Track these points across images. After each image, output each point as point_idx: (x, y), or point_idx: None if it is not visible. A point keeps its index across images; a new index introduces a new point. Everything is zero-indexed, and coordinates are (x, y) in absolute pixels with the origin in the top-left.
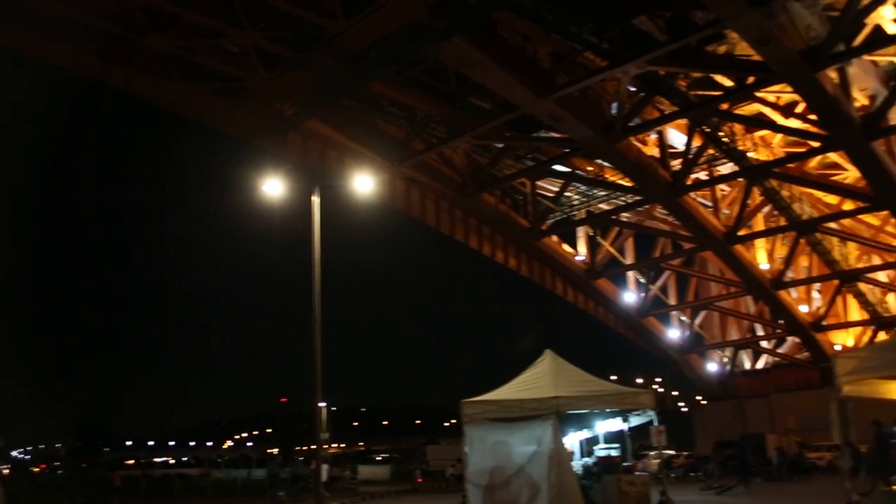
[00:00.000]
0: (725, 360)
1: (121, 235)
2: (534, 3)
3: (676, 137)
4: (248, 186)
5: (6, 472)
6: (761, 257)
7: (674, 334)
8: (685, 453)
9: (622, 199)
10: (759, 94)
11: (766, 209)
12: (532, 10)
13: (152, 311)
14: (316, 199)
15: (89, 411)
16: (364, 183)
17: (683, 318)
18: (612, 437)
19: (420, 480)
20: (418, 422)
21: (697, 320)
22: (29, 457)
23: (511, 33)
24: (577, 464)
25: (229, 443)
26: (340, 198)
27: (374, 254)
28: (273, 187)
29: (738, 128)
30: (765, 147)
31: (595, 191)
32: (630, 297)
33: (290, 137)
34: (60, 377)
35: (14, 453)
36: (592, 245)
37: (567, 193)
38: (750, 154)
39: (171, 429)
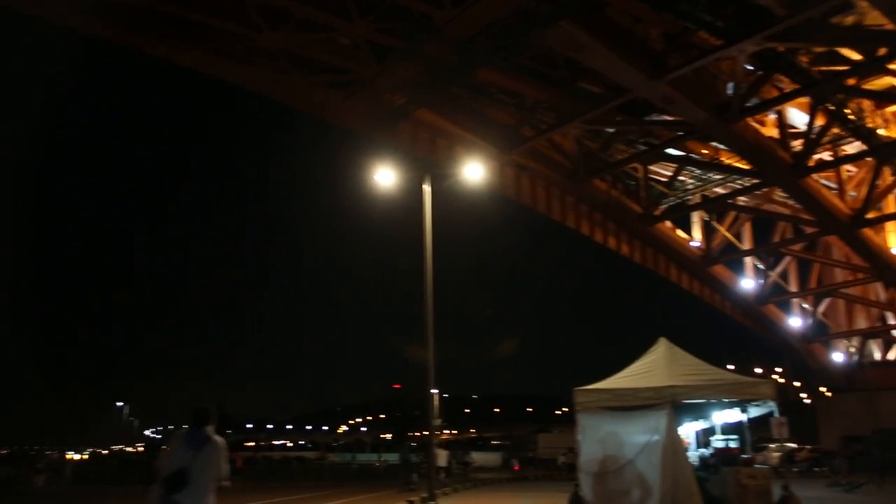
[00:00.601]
0: (852, 350)
1: (233, 226)
2: None
3: (797, 117)
4: (359, 176)
5: (141, 448)
6: (893, 241)
7: (795, 322)
8: (808, 447)
9: (739, 182)
10: (891, 67)
11: None
12: None
13: (268, 299)
14: (427, 188)
15: (214, 395)
16: (474, 171)
17: (806, 305)
18: (729, 429)
19: (517, 469)
20: (530, 409)
21: (821, 308)
22: (160, 436)
23: (621, 14)
24: (694, 455)
25: (344, 427)
26: (451, 187)
27: (488, 242)
28: (385, 177)
29: (866, 104)
30: None
31: (710, 174)
32: (748, 283)
33: (401, 127)
34: (191, 364)
35: (147, 432)
36: (708, 230)
37: (681, 178)
38: (880, 131)
39: (290, 414)
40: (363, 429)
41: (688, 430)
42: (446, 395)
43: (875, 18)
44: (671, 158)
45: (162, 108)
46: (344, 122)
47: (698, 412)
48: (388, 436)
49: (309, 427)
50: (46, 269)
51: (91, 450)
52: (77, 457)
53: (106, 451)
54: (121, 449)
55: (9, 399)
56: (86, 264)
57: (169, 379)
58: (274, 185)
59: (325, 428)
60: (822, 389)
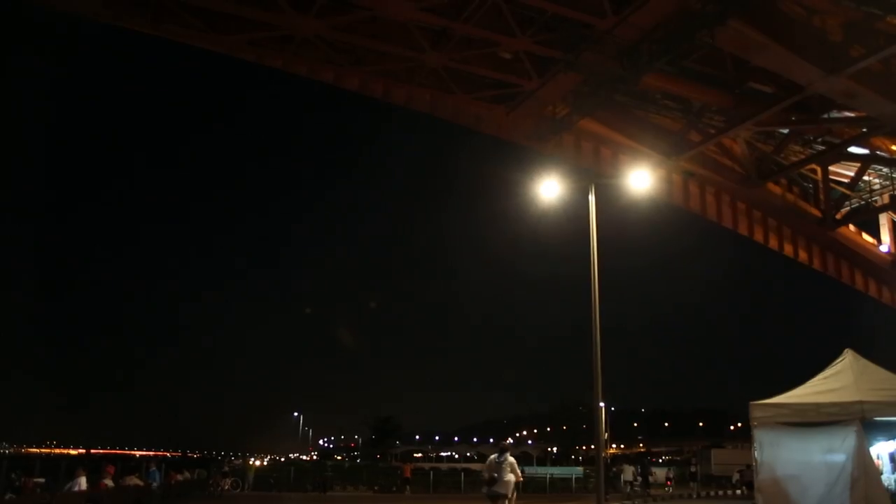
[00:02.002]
0: None
1: (402, 242)
2: None
3: None
4: (525, 188)
5: (315, 456)
6: None
7: None
8: None
9: None
10: None
11: None
12: None
13: (436, 310)
14: (592, 198)
15: (383, 407)
16: (641, 179)
17: None
18: None
19: (669, 483)
20: (701, 424)
21: None
22: (331, 446)
23: (793, 7)
24: (888, 478)
25: (510, 440)
26: (618, 196)
27: (657, 251)
28: (550, 188)
29: None
30: None
31: None
32: None
33: (564, 138)
34: (361, 375)
35: (321, 441)
36: None
37: (866, 177)
38: None
39: (457, 425)
40: (529, 441)
41: (880, 451)
42: (613, 409)
43: None
44: (854, 157)
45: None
46: (507, 136)
47: (892, 432)
48: (555, 448)
49: (475, 439)
50: (225, 285)
51: (270, 456)
52: (258, 463)
53: (283, 459)
54: (296, 457)
55: (200, 408)
56: (259, 278)
57: (340, 390)
58: (439, 198)
59: (491, 440)
60: None
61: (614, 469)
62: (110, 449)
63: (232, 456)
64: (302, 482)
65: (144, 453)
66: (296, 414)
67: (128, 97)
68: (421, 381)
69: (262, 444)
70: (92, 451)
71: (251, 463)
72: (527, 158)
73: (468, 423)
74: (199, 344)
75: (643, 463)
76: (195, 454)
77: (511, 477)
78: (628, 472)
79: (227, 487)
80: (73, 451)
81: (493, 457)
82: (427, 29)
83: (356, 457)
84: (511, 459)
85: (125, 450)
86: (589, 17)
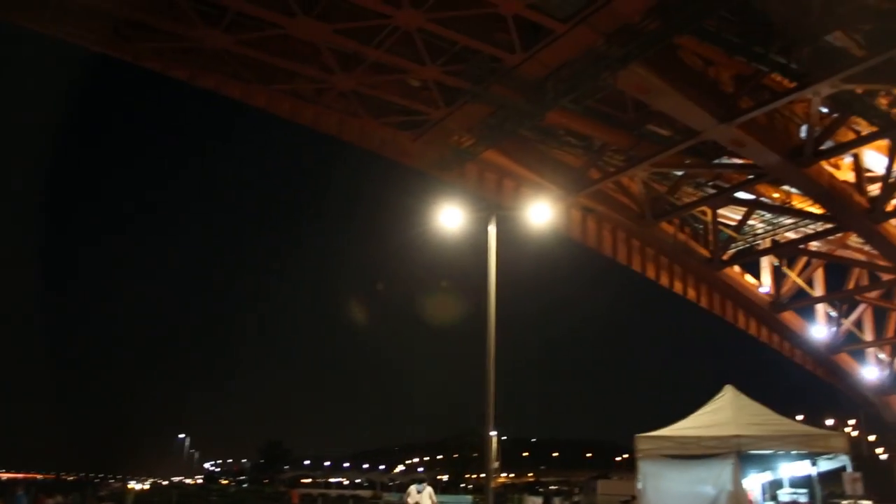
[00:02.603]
0: None
1: (295, 262)
2: (716, 25)
3: (875, 160)
4: (426, 216)
5: (200, 480)
6: None
7: (870, 373)
8: None
9: (811, 227)
10: None
11: None
12: (714, 33)
13: (331, 334)
14: (492, 229)
15: (272, 431)
16: (541, 212)
17: (882, 355)
18: (798, 482)
19: None
20: (589, 455)
21: None
22: (218, 469)
23: (692, 57)
24: None
25: (401, 467)
26: (517, 228)
27: (554, 285)
28: (451, 216)
29: None
30: None
31: (781, 219)
32: (819, 331)
33: (468, 169)
34: (248, 399)
35: (207, 465)
36: (778, 276)
37: (751, 222)
38: None
39: (347, 451)
40: (420, 469)
41: (753, 483)
42: (504, 438)
43: None
44: (741, 202)
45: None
46: (412, 163)
47: (765, 464)
48: (445, 477)
49: (366, 465)
50: (110, 299)
51: (152, 480)
52: (139, 486)
53: (166, 482)
54: (181, 480)
55: (76, 427)
56: (151, 297)
57: (229, 412)
58: (335, 222)
59: (382, 467)
60: None
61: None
62: None
63: (110, 479)
64: None
65: (12, 476)
66: (181, 436)
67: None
68: (314, 407)
69: (145, 466)
70: None
71: (130, 487)
72: (430, 187)
73: (360, 450)
74: (76, 357)
75: (546, 494)
76: (70, 477)
77: (429, 502)
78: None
79: None
80: None
81: (413, 487)
82: (338, 52)
83: (243, 481)
84: (429, 489)
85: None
86: (498, 52)
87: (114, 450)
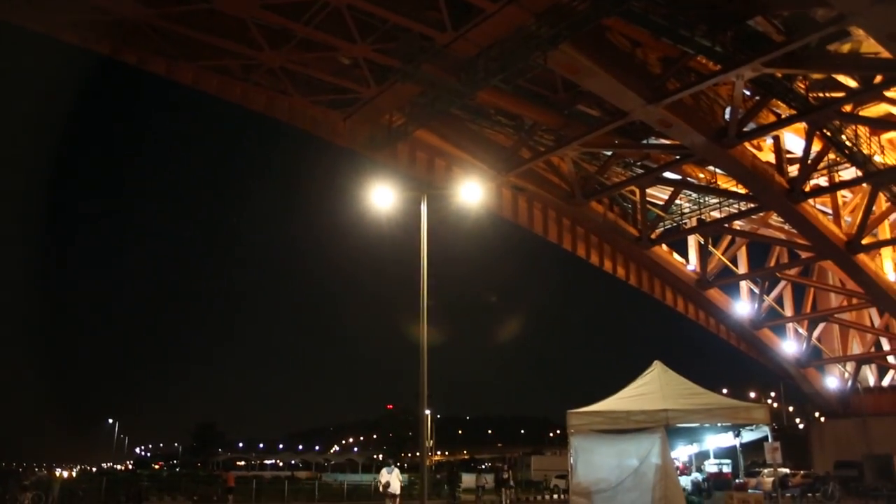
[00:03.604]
0: (847, 375)
1: (227, 242)
2: (643, 7)
3: (794, 142)
4: (357, 196)
5: (130, 466)
6: (888, 267)
7: (790, 347)
8: (801, 472)
9: (735, 206)
10: (887, 94)
11: (894, 216)
12: (642, 15)
13: (262, 316)
14: (423, 207)
15: (204, 413)
16: (471, 192)
17: (800, 330)
18: (722, 453)
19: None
20: (522, 431)
21: (816, 333)
22: (149, 454)
23: (620, 39)
24: (687, 479)
25: (336, 448)
26: (449, 207)
27: (484, 262)
28: (382, 196)
29: (862, 130)
30: (893, 149)
31: (707, 198)
32: (743, 307)
33: (400, 148)
34: (179, 380)
35: (136, 450)
36: (704, 254)
37: (678, 201)
38: (876, 158)
39: (281, 432)
40: (355, 449)
41: (681, 454)
42: (439, 416)
43: (871, 46)
44: (668, 182)
45: (140, 117)
46: (343, 142)
47: (692, 436)
48: (380, 456)
49: (300, 447)
50: (43, 280)
51: (80, 467)
52: (66, 474)
53: (95, 469)
54: (110, 466)
55: None
56: (79, 279)
57: (159, 396)
58: (265, 202)
59: (317, 447)
60: (816, 414)
61: (440, 475)
62: None
63: (35, 467)
64: (115, 494)
65: None
66: (110, 420)
67: None
68: (246, 390)
69: (72, 453)
70: None
71: (57, 474)
72: (361, 166)
73: (293, 431)
74: None
75: (496, 469)
76: None
77: (398, 483)
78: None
79: (27, 502)
80: None
81: (385, 469)
82: (266, 28)
83: (175, 465)
84: (396, 470)
85: None
86: (429, 30)
87: (39, 436)
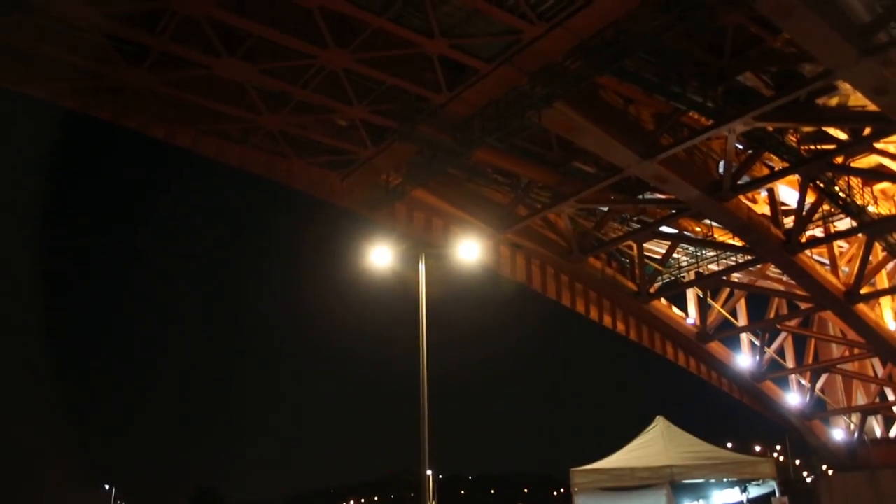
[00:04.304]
0: (853, 426)
1: (231, 306)
2: (636, 65)
3: (788, 194)
4: (356, 256)
5: None
6: (888, 317)
7: (793, 399)
8: None
9: (732, 259)
10: (876, 145)
11: (891, 265)
12: (634, 73)
13: (261, 376)
14: (422, 266)
15: (203, 475)
16: (469, 250)
17: (803, 381)
18: None
19: None
20: (526, 490)
21: (819, 384)
22: None
23: (613, 96)
24: None
25: None
26: (447, 266)
27: (484, 319)
28: (381, 256)
29: (854, 181)
30: (886, 200)
31: (704, 251)
32: (744, 360)
33: (397, 207)
34: (174, 443)
35: None
36: (703, 307)
37: (675, 255)
38: (870, 208)
39: (282, 494)
40: None
41: None
42: (441, 476)
43: (858, 100)
44: (665, 236)
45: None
46: (340, 202)
47: (698, 492)
48: None
49: None
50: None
51: None
52: None
53: None
54: None
55: None
56: (82, 338)
57: (157, 460)
58: (263, 264)
59: None
60: (824, 468)
61: None
62: None
63: None
64: None
65: None
66: (107, 486)
67: None
68: (244, 451)
69: None
70: None
71: None
72: (358, 226)
73: (294, 493)
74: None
75: None
76: None
77: None
78: None
79: None
80: None
81: None
82: (264, 92)
83: None
84: None
85: None
86: (425, 91)
87: (32, 501)
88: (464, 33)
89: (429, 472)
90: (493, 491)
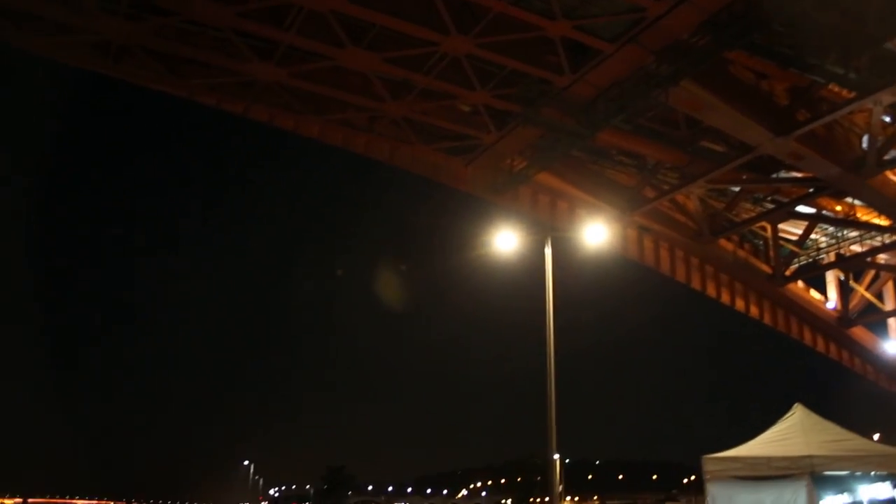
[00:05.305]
0: None
1: (363, 294)
2: (767, 39)
3: None
4: (481, 240)
5: None
6: None
7: None
8: None
9: (878, 239)
10: None
11: None
12: (765, 47)
13: (393, 360)
14: (548, 250)
15: (335, 455)
16: (596, 233)
17: None
18: None
19: None
20: (655, 477)
21: None
22: (280, 494)
23: (743, 72)
24: None
25: (464, 491)
26: (573, 250)
27: (612, 302)
28: (506, 240)
29: None
30: None
31: (845, 232)
32: (892, 346)
33: (521, 191)
34: (314, 424)
35: (271, 491)
36: (844, 290)
37: (813, 236)
38: None
39: (409, 476)
40: (483, 493)
41: None
42: (567, 461)
43: None
44: (802, 216)
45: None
46: (464, 187)
47: (841, 485)
48: (508, 501)
49: (429, 490)
50: (172, 331)
51: None
52: None
53: None
54: None
55: (145, 457)
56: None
57: (292, 438)
58: (395, 247)
59: (445, 491)
60: None
61: None
62: (49, 497)
63: None
64: None
65: (87, 503)
66: (246, 462)
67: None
68: (374, 431)
69: (211, 494)
70: (29, 499)
71: None
72: (483, 210)
73: (421, 474)
74: (143, 389)
75: None
76: (141, 503)
77: None
78: None
79: None
80: (7, 501)
81: None
82: (388, 80)
83: None
84: None
85: (66, 498)
86: (547, 74)
87: (180, 478)
88: (586, 14)
89: (556, 456)
90: (620, 476)
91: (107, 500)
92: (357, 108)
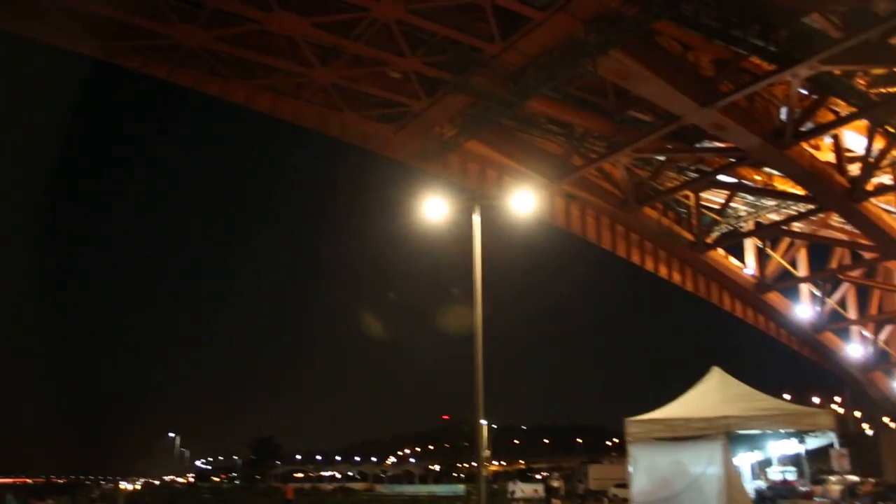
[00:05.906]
0: None
1: (280, 259)
2: (694, 10)
3: (854, 140)
4: (410, 207)
5: (191, 479)
6: None
7: (855, 351)
8: (872, 480)
9: (794, 208)
10: None
11: None
12: (692, 18)
13: (317, 328)
14: (476, 218)
15: (262, 426)
16: (523, 200)
17: (866, 333)
18: (786, 460)
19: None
20: (579, 440)
21: (882, 335)
22: (210, 467)
23: (670, 42)
24: (749, 487)
25: (393, 459)
26: (501, 217)
27: (539, 271)
28: (435, 207)
29: None
30: None
31: (763, 201)
32: (804, 311)
33: (450, 159)
34: (239, 396)
35: (198, 462)
36: (762, 257)
37: (733, 205)
38: None
39: (338, 444)
40: (412, 460)
41: (742, 462)
42: (495, 426)
43: None
44: (723, 185)
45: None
46: (394, 155)
47: (753, 443)
48: (437, 467)
49: (357, 458)
50: (98, 298)
51: (143, 480)
52: (130, 487)
53: (158, 482)
54: (172, 479)
55: (64, 429)
56: (137, 297)
57: (218, 409)
58: (319, 216)
59: (374, 459)
60: (885, 420)
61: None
62: None
63: (101, 480)
64: None
65: (1, 481)
66: (171, 435)
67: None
68: (301, 401)
69: (136, 467)
70: None
71: (122, 487)
72: (412, 178)
73: (349, 443)
74: (65, 357)
75: (546, 480)
76: (60, 479)
77: None
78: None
79: None
80: None
81: None
82: (317, 45)
83: (235, 478)
84: None
85: None
86: (478, 42)
87: (103, 451)
88: None
89: (483, 422)
90: (546, 441)
91: (24, 479)
92: (285, 73)
